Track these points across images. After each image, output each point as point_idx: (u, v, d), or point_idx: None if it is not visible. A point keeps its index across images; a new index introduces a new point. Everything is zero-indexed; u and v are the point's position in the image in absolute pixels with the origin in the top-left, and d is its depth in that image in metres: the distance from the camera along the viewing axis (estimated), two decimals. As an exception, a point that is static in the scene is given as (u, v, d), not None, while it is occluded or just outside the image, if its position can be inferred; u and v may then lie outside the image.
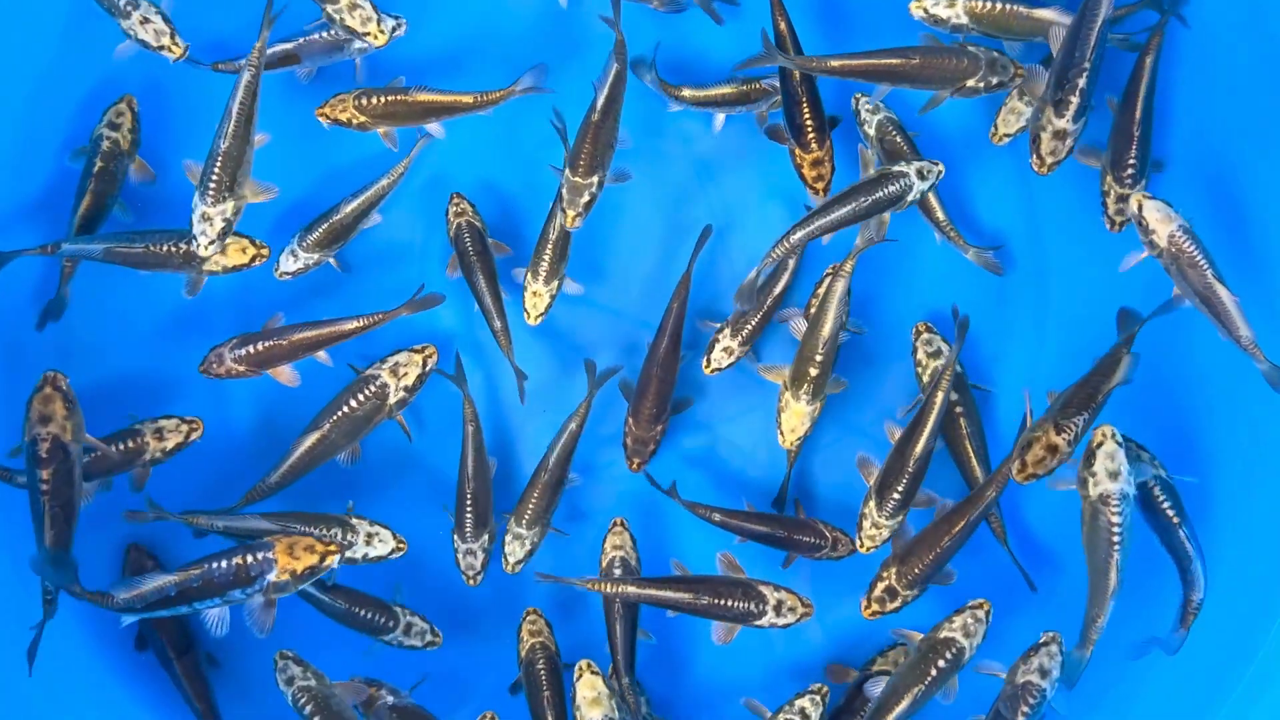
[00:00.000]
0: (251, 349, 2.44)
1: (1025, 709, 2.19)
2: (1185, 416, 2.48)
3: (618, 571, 2.46)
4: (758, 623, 2.33)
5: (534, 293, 2.49)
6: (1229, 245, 2.35)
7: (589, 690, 2.27)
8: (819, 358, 2.34)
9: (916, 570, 2.31)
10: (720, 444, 2.64)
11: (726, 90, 2.54)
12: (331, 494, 2.55)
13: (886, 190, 2.30)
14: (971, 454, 2.47)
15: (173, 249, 2.38)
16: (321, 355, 2.47)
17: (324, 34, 2.45)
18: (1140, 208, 2.27)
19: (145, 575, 2.17)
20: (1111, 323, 2.37)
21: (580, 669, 2.30)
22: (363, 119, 2.48)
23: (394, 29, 2.43)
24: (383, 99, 2.47)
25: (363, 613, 2.43)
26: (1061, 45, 2.29)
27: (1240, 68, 2.42)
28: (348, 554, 2.37)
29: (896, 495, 2.29)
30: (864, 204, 2.30)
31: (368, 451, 2.51)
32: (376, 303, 2.46)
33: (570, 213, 2.36)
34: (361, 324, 2.44)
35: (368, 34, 2.37)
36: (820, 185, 2.48)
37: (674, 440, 2.61)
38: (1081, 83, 2.29)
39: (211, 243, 2.29)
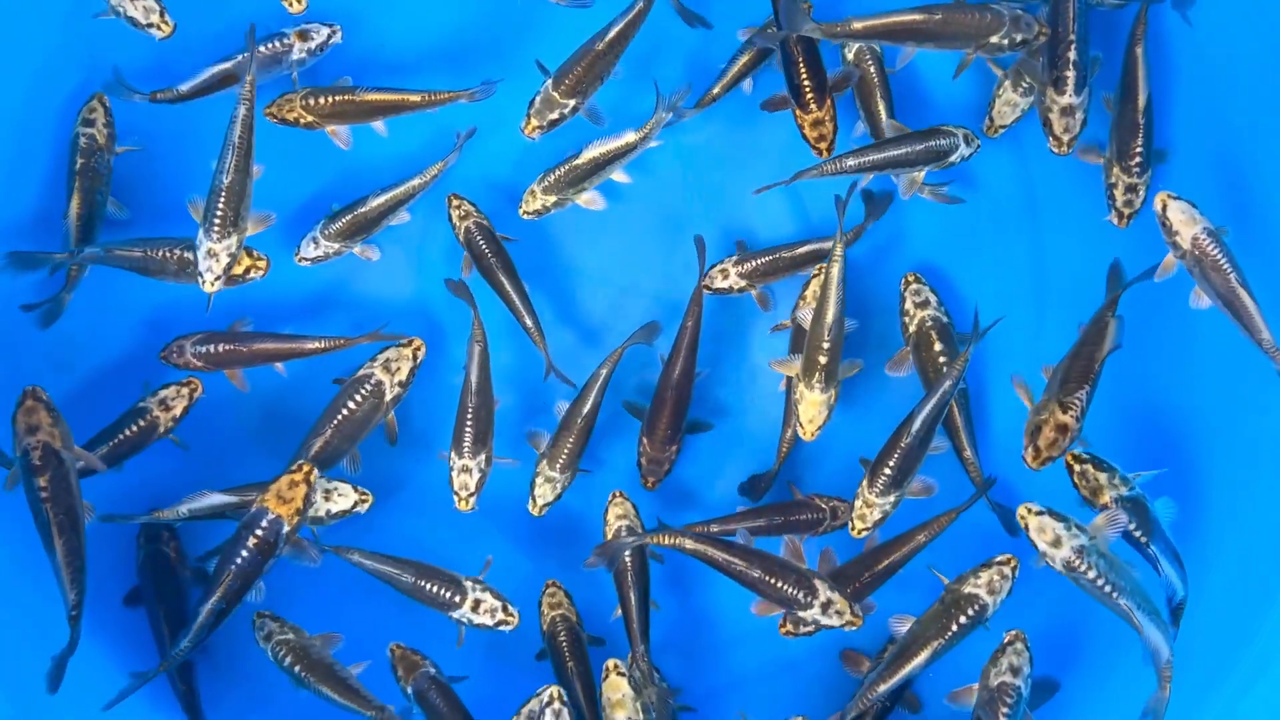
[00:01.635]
0: (212, 349, 2.45)
1: (1004, 710, 2.17)
2: (1180, 406, 2.48)
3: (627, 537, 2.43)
4: (801, 613, 2.29)
5: (530, 191, 2.49)
6: (1234, 230, 2.27)
7: (614, 692, 2.31)
8: (826, 345, 2.30)
9: None
10: (712, 444, 2.62)
11: (745, 60, 2.54)
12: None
13: (937, 143, 2.39)
14: (956, 410, 2.43)
15: (168, 254, 2.38)
16: (278, 365, 2.48)
17: (264, 47, 2.45)
18: (1165, 208, 2.22)
19: (193, 612, 2.19)
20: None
21: (607, 669, 2.33)
22: (310, 118, 2.48)
23: (329, 36, 2.49)
24: (330, 98, 2.47)
25: (429, 586, 2.38)
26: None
27: (1237, 50, 2.39)
28: (310, 513, 2.33)
29: (887, 471, 2.27)
30: (916, 150, 2.39)
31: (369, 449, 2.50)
32: (375, 303, 2.56)
33: (534, 122, 2.40)
34: (323, 345, 2.45)
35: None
36: (823, 145, 2.45)
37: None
38: (1072, 55, 2.29)
39: (217, 278, 2.31)
